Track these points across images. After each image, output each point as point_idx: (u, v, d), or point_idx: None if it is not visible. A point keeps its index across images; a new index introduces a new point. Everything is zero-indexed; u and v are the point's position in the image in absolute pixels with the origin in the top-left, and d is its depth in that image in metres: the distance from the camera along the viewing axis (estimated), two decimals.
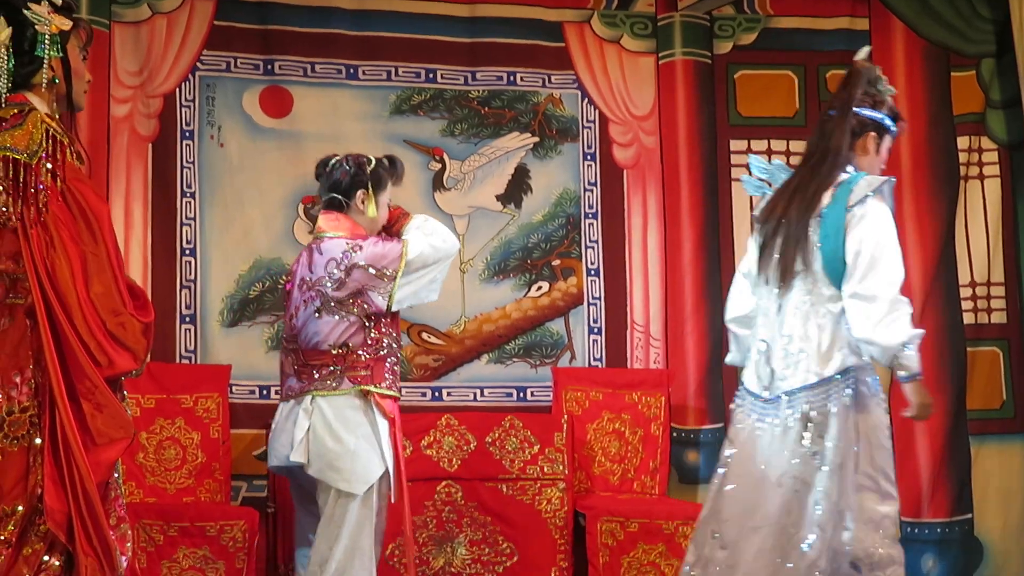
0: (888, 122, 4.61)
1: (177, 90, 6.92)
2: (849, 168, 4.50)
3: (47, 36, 3.72)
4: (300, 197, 6.95)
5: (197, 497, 6.26)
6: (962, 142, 7.41)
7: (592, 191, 7.33)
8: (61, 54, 3.74)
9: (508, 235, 7.23)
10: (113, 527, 3.67)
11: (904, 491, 5.74)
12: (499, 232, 7.23)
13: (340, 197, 4.94)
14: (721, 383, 7.21)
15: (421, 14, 7.23)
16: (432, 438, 6.33)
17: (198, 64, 6.96)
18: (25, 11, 3.71)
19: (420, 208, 6.62)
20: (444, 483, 6.31)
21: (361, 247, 4.79)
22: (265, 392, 6.73)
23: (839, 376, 4.32)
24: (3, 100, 3.66)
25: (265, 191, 6.96)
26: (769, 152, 7.40)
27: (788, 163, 7.33)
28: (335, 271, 4.78)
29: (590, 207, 7.32)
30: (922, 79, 7.45)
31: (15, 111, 3.65)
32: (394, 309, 4.81)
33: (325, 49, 7.11)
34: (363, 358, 4.78)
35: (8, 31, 3.69)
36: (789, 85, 7.53)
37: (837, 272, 4.33)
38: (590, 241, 7.29)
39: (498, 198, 7.26)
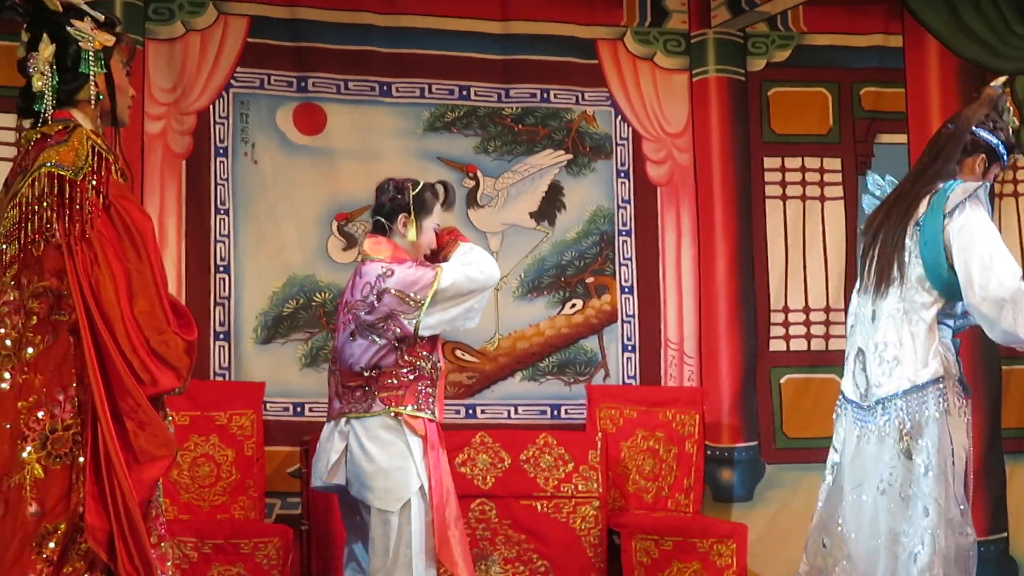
0: (1002, 149, 4.60)
1: (211, 107, 6.93)
2: (950, 181, 4.48)
3: (91, 53, 3.71)
4: (334, 214, 6.95)
5: (231, 514, 6.26)
6: None
7: (625, 208, 7.31)
8: (105, 70, 3.73)
9: (542, 252, 7.22)
10: (154, 545, 3.65)
11: None
12: (533, 249, 7.21)
13: (384, 220, 4.97)
14: (755, 401, 7.18)
15: (454, 31, 7.23)
16: (466, 455, 6.33)
17: (232, 81, 6.96)
18: (68, 28, 3.70)
19: (453, 225, 6.60)
20: (478, 501, 6.30)
21: (393, 272, 4.78)
22: (299, 409, 6.73)
23: (932, 383, 4.30)
24: (48, 117, 3.67)
25: (299, 208, 6.96)
26: (803, 169, 7.38)
27: (822, 180, 7.41)
28: (369, 295, 4.79)
29: (624, 224, 7.30)
30: (956, 96, 7.41)
31: (60, 127, 3.66)
32: (423, 335, 4.79)
33: (358, 66, 7.11)
34: (394, 380, 4.78)
35: (52, 48, 3.69)
36: (823, 102, 7.51)
37: (941, 279, 4.30)
38: (624, 258, 7.27)
39: (532, 215, 7.24)
